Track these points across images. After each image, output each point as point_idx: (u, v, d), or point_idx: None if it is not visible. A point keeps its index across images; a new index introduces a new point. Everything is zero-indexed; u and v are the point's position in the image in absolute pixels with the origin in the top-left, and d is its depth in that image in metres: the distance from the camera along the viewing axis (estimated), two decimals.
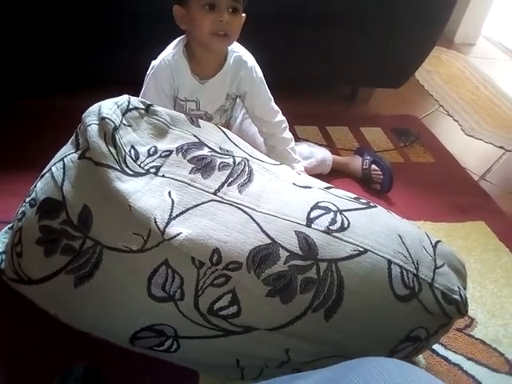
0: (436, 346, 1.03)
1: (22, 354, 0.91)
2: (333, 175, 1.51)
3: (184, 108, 1.25)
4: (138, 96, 1.01)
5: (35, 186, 0.91)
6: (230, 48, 1.21)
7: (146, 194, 0.81)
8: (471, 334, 1.09)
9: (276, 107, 1.32)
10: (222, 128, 1.06)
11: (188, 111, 1.26)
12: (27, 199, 0.91)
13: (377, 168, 1.49)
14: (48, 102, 1.65)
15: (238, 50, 1.22)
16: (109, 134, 0.84)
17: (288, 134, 1.35)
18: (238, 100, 1.35)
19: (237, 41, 1.19)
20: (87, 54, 1.52)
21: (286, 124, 1.34)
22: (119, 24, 1.44)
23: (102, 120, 0.85)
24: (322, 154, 1.50)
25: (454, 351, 1.04)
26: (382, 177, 1.47)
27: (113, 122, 0.86)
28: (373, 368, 0.45)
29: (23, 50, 1.47)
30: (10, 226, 1.01)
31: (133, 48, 1.47)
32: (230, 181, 0.88)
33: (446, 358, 1.02)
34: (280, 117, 1.33)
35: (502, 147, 1.89)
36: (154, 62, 1.21)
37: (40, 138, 1.44)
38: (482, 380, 0.99)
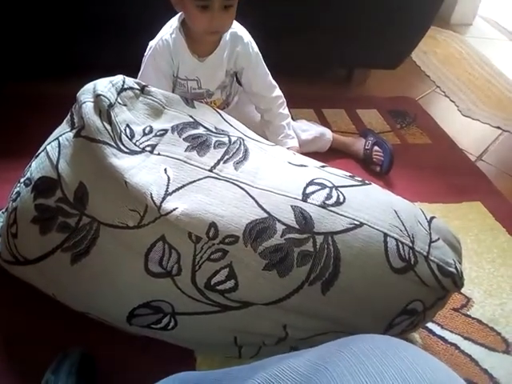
0: (432, 326, 1.05)
1: (18, 339, 0.92)
2: (333, 155, 1.51)
3: (186, 87, 1.25)
4: None
5: (30, 166, 0.91)
6: None
7: (141, 171, 0.81)
8: (468, 313, 1.09)
9: (273, 82, 1.32)
10: (217, 109, 1.06)
11: (190, 90, 1.26)
12: (22, 179, 0.91)
13: (379, 149, 1.49)
14: (35, 87, 1.62)
15: (232, 25, 1.22)
16: (104, 110, 0.84)
17: (285, 110, 1.35)
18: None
19: None
20: (75, 39, 1.50)
21: (283, 100, 1.34)
22: (107, 8, 1.42)
23: (97, 97, 0.85)
24: (321, 128, 1.52)
25: (450, 331, 1.05)
26: (382, 158, 1.48)
27: (108, 99, 0.86)
28: (365, 344, 0.45)
29: (9, 35, 1.45)
30: (3, 210, 1.00)
31: (122, 32, 1.46)
32: (225, 158, 0.88)
33: (442, 338, 1.03)
34: (277, 92, 1.33)
35: (498, 127, 1.89)
36: (152, 43, 1.20)
37: (28, 123, 1.44)
38: (479, 359, 1.00)
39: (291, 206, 0.80)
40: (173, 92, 1.24)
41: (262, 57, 1.28)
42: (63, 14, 1.43)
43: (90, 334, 0.90)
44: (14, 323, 0.94)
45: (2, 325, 0.94)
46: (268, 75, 1.31)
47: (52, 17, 1.43)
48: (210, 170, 0.84)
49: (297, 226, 0.78)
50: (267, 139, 1.05)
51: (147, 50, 1.21)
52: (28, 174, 0.88)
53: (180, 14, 1.18)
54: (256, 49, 1.26)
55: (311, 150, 1.42)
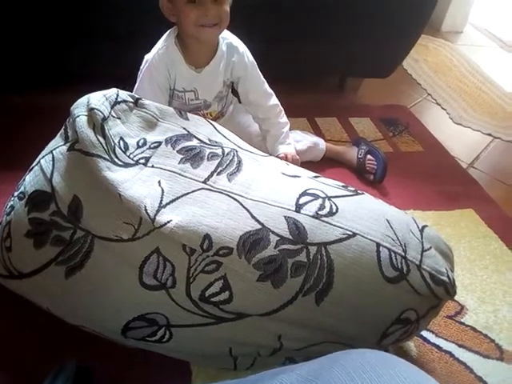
0: (427, 334, 1.05)
1: (14, 353, 0.91)
2: (327, 164, 1.52)
3: (183, 99, 1.26)
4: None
5: (24, 180, 0.91)
6: (220, 35, 1.21)
7: (135, 184, 0.81)
8: (462, 321, 1.10)
9: (270, 90, 1.34)
10: (211, 121, 1.07)
11: (187, 101, 1.26)
12: (15, 193, 0.91)
13: (372, 158, 1.50)
14: (30, 98, 1.63)
15: (227, 36, 1.23)
16: (98, 124, 0.84)
17: (283, 119, 1.36)
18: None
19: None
20: (69, 50, 1.51)
21: (280, 108, 1.35)
22: (101, 19, 1.43)
23: (91, 111, 0.85)
24: (315, 138, 1.53)
25: (444, 339, 1.05)
26: (375, 167, 1.48)
27: (101, 112, 0.86)
28: (355, 360, 0.46)
29: (5, 45, 1.45)
30: None
31: (116, 43, 1.46)
32: (219, 170, 0.88)
33: (437, 346, 1.03)
34: (274, 100, 1.34)
35: (490, 134, 1.91)
36: (148, 56, 1.20)
37: (22, 135, 1.44)
38: (474, 366, 1.00)
39: (284, 217, 0.81)
40: (170, 104, 1.25)
41: (257, 66, 1.29)
42: (57, 25, 1.43)
43: (86, 345, 0.90)
44: (8, 335, 0.94)
45: None
46: (264, 83, 1.33)
47: (45, 28, 1.43)
48: (204, 182, 0.85)
49: (290, 237, 0.79)
50: (261, 150, 1.06)
51: (143, 64, 1.21)
52: (22, 188, 0.89)
53: (174, 27, 1.19)
54: (251, 58, 1.27)
55: (305, 160, 1.43)
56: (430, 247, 0.86)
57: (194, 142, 0.94)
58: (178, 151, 0.90)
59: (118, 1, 1.40)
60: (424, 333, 1.04)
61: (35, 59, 1.53)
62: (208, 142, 0.96)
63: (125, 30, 1.44)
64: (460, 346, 1.04)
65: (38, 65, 1.55)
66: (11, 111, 1.58)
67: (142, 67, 1.21)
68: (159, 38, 1.21)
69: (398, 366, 0.44)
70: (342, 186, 0.94)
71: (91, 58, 1.53)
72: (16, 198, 0.89)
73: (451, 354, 1.02)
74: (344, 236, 0.80)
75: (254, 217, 0.80)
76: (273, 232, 0.79)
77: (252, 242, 0.78)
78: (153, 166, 0.86)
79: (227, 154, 0.93)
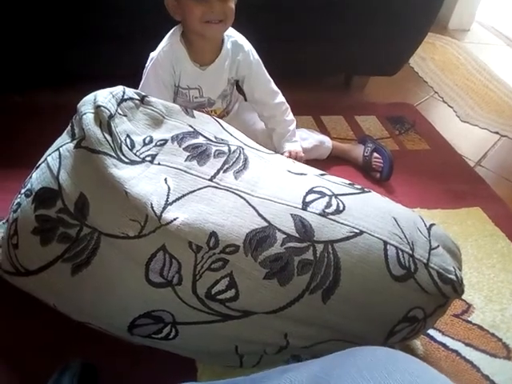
0: (433, 333, 1.05)
1: (18, 350, 0.91)
2: (333, 162, 1.52)
3: (187, 96, 1.26)
4: None
5: (30, 177, 0.91)
6: (225, 33, 1.21)
7: (142, 181, 0.81)
8: (469, 319, 1.09)
9: (276, 88, 1.34)
10: (217, 118, 1.07)
11: (191, 99, 1.27)
12: (22, 190, 0.91)
13: (378, 156, 1.50)
14: (30, 98, 1.64)
15: (233, 34, 1.24)
16: (104, 121, 0.84)
17: (289, 116, 1.36)
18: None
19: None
20: (70, 50, 1.51)
21: (286, 106, 1.35)
22: (102, 19, 1.43)
23: (98, 108, 0.85)
24: (321, 136, 1.53)
25: (451, 337, 1.05)
26: (382, 165, 1.48)
27: (108, 110, 0.86)
28: (366, 357, 0.45)
29: (5, 46, 1.45)
30: (4, 220, 1.00)
31: (117, 43, 1.47)
32: (225, 167, 0.88)
33: (443, 345, 1.03)
34: (280, 98, 1.34)
35: (497, 133, 1.90)
36: (153, 54, 1.21)
37: (26, 133, 1.44)
38: (480, 365, 1.00)
39: (291, 215, 0.81)
40: (174, 102, 1.25)
41: (263, 64, 1.29)
42: (57, 25, 1.43)
43: (92, 343, 0.90)
44: (14, 333, 0.94)
45: (2, 335, 0.94)
46: (270, 82, 1.33)
47: (46, 28, 1.43)
48: (210, 180, 0.85)
49: (297, 235, 0.78)
50: (267, 147, 1.06)
51: (148, 61, 1.21)
52: (29, 185, 0.89)
53: (179, 25, 1.19)
54: (257, 56, 1.27)
55: (311, 158, 1.43)
56: (438, 245, 0.86)
57: (200, 140, 0.94)
58: (184, 149, 0.90)
59: (118, 1, 1.40)
60: (431, 331, 1.04)
61: (36, 59, 1.53)
62: (214, 139, 0.96)
63: (125, 30, 1.44)
64: (467, 344, 1.04)
65: (39, 64, 1.56)
66: (11, 110, 1.58)
67: (147, 64, 1.22)
68: (159, 37, 1.21)
69: (409, 363, 0.44)
70: (349, 184, 0.94)
71: (91, 57, 1.53)
72: (23, 196, 0.89)
73: (458, 353, 1.02)
74: (351, 234, 0.80)
75: (260, 214, 0.80)
76: (279, 230, 0.78)
77: (258, 239, 0.77)
78: (159, 164, 0.86)
79: (233, 152, 0.93)
